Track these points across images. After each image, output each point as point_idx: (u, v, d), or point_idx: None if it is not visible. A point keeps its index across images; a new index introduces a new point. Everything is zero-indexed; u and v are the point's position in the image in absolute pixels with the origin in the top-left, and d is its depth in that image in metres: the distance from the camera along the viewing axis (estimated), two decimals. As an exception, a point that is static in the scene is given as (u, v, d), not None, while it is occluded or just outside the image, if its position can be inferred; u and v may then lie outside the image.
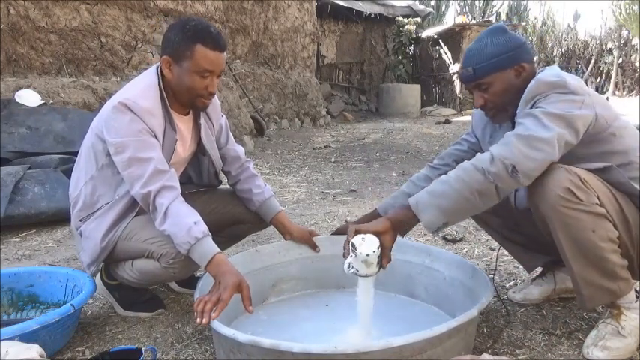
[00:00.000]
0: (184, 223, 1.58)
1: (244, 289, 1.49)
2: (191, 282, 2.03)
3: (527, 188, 1.49)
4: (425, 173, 1.91)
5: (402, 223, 1.57)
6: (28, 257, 2.66)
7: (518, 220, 1.75)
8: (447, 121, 9.79)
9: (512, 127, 1.56)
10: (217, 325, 1.37)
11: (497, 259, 1.91)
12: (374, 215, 1.95)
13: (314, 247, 1.99)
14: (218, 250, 1.57)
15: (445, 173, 1.54)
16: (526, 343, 1.62)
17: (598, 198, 1.45)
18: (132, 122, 1.64)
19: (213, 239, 1.86)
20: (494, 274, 1.93)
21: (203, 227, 1.59)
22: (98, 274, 1.94)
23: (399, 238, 2.01)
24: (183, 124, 1.83)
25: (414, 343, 1.26)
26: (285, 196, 3.95)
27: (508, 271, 2.21)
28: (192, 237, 1.56)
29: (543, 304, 1.89)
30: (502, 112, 1.67)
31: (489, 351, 1.60)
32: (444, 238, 2.69)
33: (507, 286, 2.06)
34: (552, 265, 1.91)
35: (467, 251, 2.51)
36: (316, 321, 1.80)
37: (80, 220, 1.80)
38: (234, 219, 2.03)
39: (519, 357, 1.55)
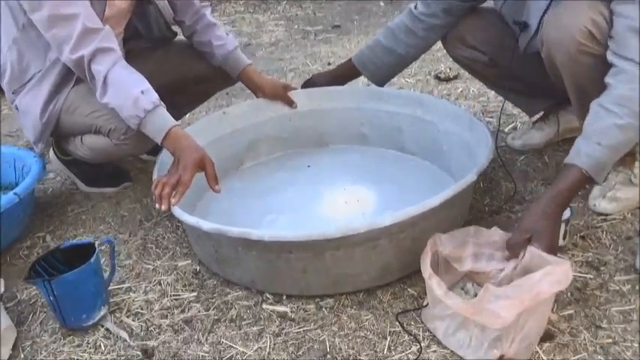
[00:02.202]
0: (129, 93, 1.33)
1: (208, 165, 1.29)
2: (160, 148, 1.81)
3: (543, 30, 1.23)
4: (407, 24, 1.59)
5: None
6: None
7: (522, 66, 1.49)
8: None
9: None
10: (179, 213, 1.20)
11: (500, 114, 1.67)
12: (348, 67, 1.73)
13: (290, 103, 1.76)
14: (173, 122, 1.34)
15: (432, 28, 1.40)
16: (527, 197, 1.48)
17: None
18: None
19: (175, 102, 1.63)
20: (497, 131, 1.71)
21: (152, 96, 1.34)
22: (51, 150, 1.73)
23: (386, 89, 1.79)
24: (115, -36, 1.47)
25: (404, 222, 1.10)
26: (262, 38, 3.59)
27: (507, 112, 2.00)
28: (141, 109, 1.32)
29: (545, 149, 1.71)
30: None
31: (486, 209, 1.46)
32: (437, 77, 2.43)
33: (506, 130, 1.87)
34: (556, 107, 1.70)
35: (461, 91, 2.27)
36: (298, 185, 1.64)
37: (13, 93, 1.54)
38: (196, 77, 1.76)
39: (520, 214, 1.42)
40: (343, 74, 1.79)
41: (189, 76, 1.75)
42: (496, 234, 1.14)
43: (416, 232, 1.16)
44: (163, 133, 1.32)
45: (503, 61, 1.50)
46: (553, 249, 1.10)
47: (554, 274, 0.98)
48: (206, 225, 1.14)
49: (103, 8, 1.43)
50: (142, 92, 1.33)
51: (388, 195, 1.53)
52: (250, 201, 1.58)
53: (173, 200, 1.21)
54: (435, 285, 1.01)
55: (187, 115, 2.16)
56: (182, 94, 1.79)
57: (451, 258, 1.11)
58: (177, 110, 1.88)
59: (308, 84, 1.82)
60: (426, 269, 1.04)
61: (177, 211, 1.20)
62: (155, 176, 1.33)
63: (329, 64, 2.78)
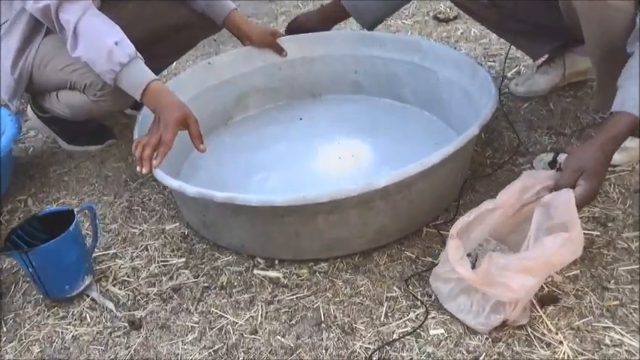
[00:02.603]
0: (102, 44, 1.22)
1: (191, 123, 1.21)
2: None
3: None
4: None
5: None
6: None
7: (525, 6, 1.37)
8: None
9: None
10: (161, 176, 1.12)
11: (505, 60, 1.55)
12: (335, 6, 1.59)
13: (280, 51, 1.65)
14: (152, 76, 1.24)
15: None
16: (530, 149, 1.40)
17: None
18: None
19: (156, 52, 1.53)
20: (502, 78, 1.61)
21: (128, 48, 1.23)
22: (29, 107, 1.64)
23: (382, 33, 1.67)
24: None
25: (400, 182, 1.03)
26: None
27: (509, 56, 1.89)
28: (116, 63, 1.21)
29: (551, 95, 1.62)
30: None
31: (488, 162, 1.38)
32: (436, 17, 2.29)
33: (509, 75, 1.77)
34: (561, 49, 1.59)
35: (462, 33, 2.14)
36: (289, 139, 1.55)
37: (-19, 47, 1.43)
38: (177, 24, 1.63)
39: (523, 167, 1.34)
40: (331, 15, 1.66)
41: (170, 23, 1.62)
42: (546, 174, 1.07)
43: (413, 193, 1.10)
44: (141, 89, 1.22)
45: (504, 1, 1.39)
46: (595, 194, 1.03)
47: (567, 245, 0.91)
48: (190, 189, 1.07)
49: None
50: (116, 43, 1.23)
51: (384, 148, 1.45)
52: (240, 157, 1.50)
53: (155, 162, 1.13)
54: (452, 248, 0.95)
55: (174, 65, 2.06)
56: (163, 43, 1.67)
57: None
58: (160, 61, 1.77)
59: (293, 25, 1.69)
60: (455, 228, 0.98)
61: (159, 174, 1.13)
62: (136, 135, 1.25)
63: (322, 5, 2.63)
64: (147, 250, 1.24)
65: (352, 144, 1.48)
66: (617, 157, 1.31)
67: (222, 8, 1.58)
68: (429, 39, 2.01)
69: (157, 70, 1.81)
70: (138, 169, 1.15)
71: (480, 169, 1.36)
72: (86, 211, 1.22)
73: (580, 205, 0.98)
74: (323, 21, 1.67)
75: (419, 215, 1.17)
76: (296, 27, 1.69)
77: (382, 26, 2.27)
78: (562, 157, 1.20)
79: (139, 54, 1.25)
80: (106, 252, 1.25)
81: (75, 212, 1.10)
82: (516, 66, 1.81)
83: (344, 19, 1.69)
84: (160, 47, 1.66)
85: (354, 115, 1.63)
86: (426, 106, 1.59)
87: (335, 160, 1.43)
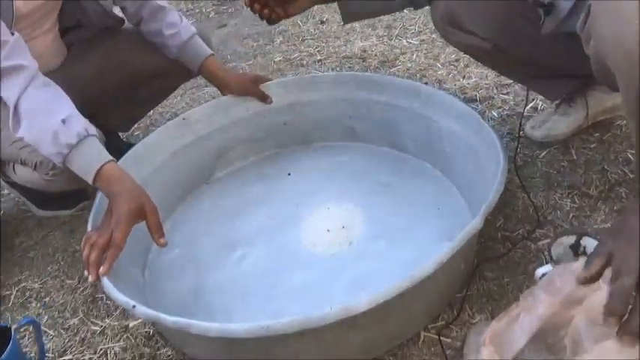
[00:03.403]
0: (46, 124, 1.07)
1: (149, 214, 1.04)
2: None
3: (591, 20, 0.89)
4: None
5: None
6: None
7: (542, 51, 1.16)
8: None
9: None
10: (109, 288, 0.96)
11: (525, 106, 1.31)
12: None
13: (263, 98, 1.47)
14: (106, 157, 1.08)
15: None
16: (549, 217, 1.20)
17: None
18: None
19: (133, 98, 1.39)
20: (519, 137, 1.36)
21: (77, 125, 1.08)
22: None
23: (378, 75, 1.44)
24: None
25: (387, 301, 0.85)
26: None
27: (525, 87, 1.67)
28: (63, 145, 1.06)
29: (573, 139, 1.41)
30: None
31: (499, 235, 1.19)
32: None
33: (525, 112, 1.56)
34: (582, 87, 1.38)
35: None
36: (274, 202, 1.38)
37: None
38: (152, 70, 1.48)
39: (541, 242, 1.15)
40: None
41: (143, 69, 1.48)
42: None
43: (405, 300, 0.92)
44: (93, 173, 1.06)
45: (515, 48, 1.18)
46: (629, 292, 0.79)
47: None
48: (138, 311, 0.91)
49: (9, 8, 1.15)
50: (64, 121, 1.07)
51: (380, 216, 1.27)
52: (218, 228, 1.34)
53: (102, 270, 0.97)
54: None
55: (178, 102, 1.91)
56: (139, 89, 1.53)
57: None
58: (139, 107, 1.63)
59: None
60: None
61: (106, 285, 0.97)
62: (89, 226, 1.10)
63: (322, 22, 2.44)
64: (106, 355, 1.09)
65: (343, 211, 1.31)
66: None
67: (196, 54, 1.42)
68: (430, 85, 1.70)
69: (138, 115, 1.69)
70: (85, 274, 1.00)
71: (489, 246, 1.16)
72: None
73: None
74: None
75: (413, 321, 0.99)
76: None
77: (385, 46, 2.09)
78: (586, 241, 1.01)
79: (91, 130, 1.09)
80: (61, 358, 1.10)
81: (13, 331, 0.95)
82: (533, 100, 1.60)
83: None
84: (137, 94, 1.53)
85: (348, 167, 1.45)
86: (427, 157, 1.40)
87: (323, 233, 1.25)
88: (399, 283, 0.84)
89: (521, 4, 1.13)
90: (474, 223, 0.92)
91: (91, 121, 1.53)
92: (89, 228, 1.08)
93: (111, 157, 1.08)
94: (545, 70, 1.28)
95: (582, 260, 0.84)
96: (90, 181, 1.07)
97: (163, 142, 1.39)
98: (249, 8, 1.21)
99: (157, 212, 1.05)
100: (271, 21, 1.23)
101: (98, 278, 0.97)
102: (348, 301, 0.83)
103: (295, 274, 1.18)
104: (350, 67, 1.98)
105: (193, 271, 1.24)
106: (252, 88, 1.45)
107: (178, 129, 1.41)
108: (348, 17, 1.28)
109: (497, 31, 1.17)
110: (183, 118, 1.42)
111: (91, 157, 1.08)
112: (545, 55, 1.19)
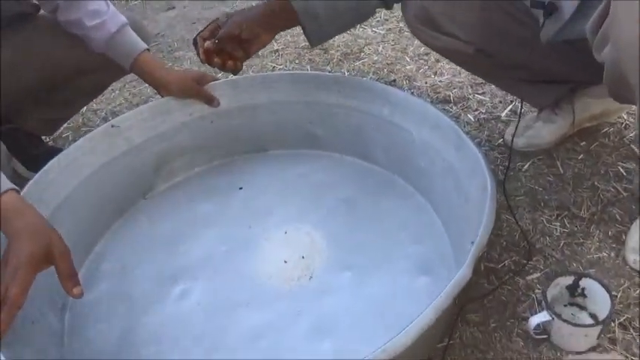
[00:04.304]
0: None
1: (59, 259, 0.83)
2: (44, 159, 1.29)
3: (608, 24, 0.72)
4: None
5: None
6: None
7: (535, 56, 1.00)
8: None
9: None
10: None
11: (519, 118, 1.14)
12: (281, 7, 1.00)
13: (210, 100, 1.27)
14: (6, 185, 0.86)
15: None
16: (537, 245, 1.06)
17: None
18: None
19: (57, 99, 1.19)
20: (510, 158, 1.19)
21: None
22: None
23: (340, 75, 1.25)
24: None
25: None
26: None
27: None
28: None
29: (557, 149, 1.27)
30: None
31: (482, 267, 1.03)
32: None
33: (502, 116, 1.41)
34: (570, 93, 1.23)
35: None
36: (222, 224, 1.18)
37: None
38: (73, 68, 1.25)
39: (530, 276, 1.00)
40: (275, 19, 1.04)
41: (65, 65, 1.25)
42: None
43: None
44: (-13, 205, 0.84)
45: (502, 53, 1.01)
46: None
47: None
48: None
49: None
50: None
51: (345, 242, 1.10)
52: (156, 253, 1.14)
53: (-6, 337, 0.76)
54: None
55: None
56: (65, 89, 1.31)
57: None
58: (63, 108, 1.40)
59: (225, 30, 1.05)
60: None
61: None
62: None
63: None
64: None
65: (302, 235, 1.13)
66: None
67: (127, 50, 1.20)
68: (400, 89, 1.39)
69: (61, 119, 1.45)
70: (-24, 337, 0.78)
71: (472, 281, 1.01)
72: None
73: None
74: (263, 25, 1.04)
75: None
76: (226, 34, 1.04)
77: (349, 36, 1.90)
78: (586, 282, 0.87)
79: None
80: None
81: None
82: (511, 102, 1.45)
83: (288, 28, 1.12)
84: (62, 93, 1.31)
85: (308, 180, 1.27)
86: (398, 171, 1.24)
87: (279, 264, 1.07)
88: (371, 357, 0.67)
89: (512, 4, 0.96)
90: (461, 276, 0.76)
91: (4, 123, 1.34)
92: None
93: (11, 185, 0.86)
94: (532, 76, 1.12)
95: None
96: (-15, 214, 0.85)
97: (89, 153, 1.16)
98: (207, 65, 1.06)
99: (68, 255, 0.84)
100: (236, 69, 1.08)
101: (-8, 345, 0.76)
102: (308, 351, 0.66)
103: (247, 314, 1.00)
104: (310, 60, 1.79)
105: (123, 312, 1.04)
106: (196, 89, 1.24)
107: (107, 137, 1.19)
108: (316, 40, 1.06)
109: (483, 35, 1.00)
110: (112, 126, 1.20)
111: (-14, 185, 0.85)
112: (536, 60, 1.03)
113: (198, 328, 0.99)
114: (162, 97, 1.25)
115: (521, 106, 1.11)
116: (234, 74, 1.11)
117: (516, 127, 1.16)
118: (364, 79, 1.48)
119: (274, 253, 1.09)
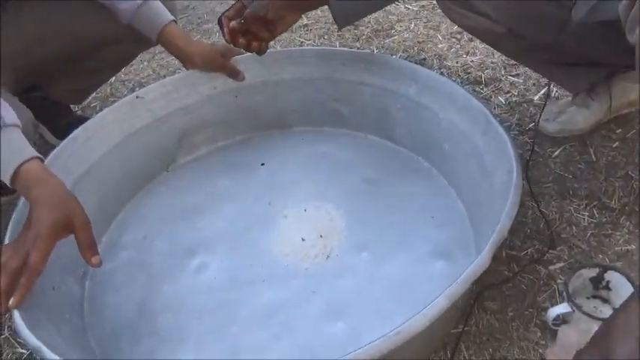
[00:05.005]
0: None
1: (79, 228, 0.83)
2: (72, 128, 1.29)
3: None
4: None
5: None
6: None
7: (568, 38, 0.95)
8: None
9: None
10: (20, 329, 0.76)
11: (545, 102, 1.09)
12: None
13: (234, 73, 1.25)
14: (29, 153, 0.86)
15: None
16: (562, 235, 1.02)
17: None
18: None
19: (83, 70, 1.20)
20: (532, 148, 1.17)
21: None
22: None
23: (367, 52, 1.22)
24: None
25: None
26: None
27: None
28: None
29: (591, 137, 1.22)
30: None
31: (504, 254, 1.01)
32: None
33: (535, 100, 1.36)
34: (607, 77, 1.18)
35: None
36: (243, 199, 1.17)
37: None
38: (99, 40, 1.25)
39: (553, 265, 0.97)
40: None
41: (93, 36, 1.25)
42: None
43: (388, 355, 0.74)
44: (10, 172, 0.85)
45: (534, 34, 0.97)
46: None
47: None
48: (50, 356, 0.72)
49: None
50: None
51: (364, 221, 1.08)
52: (176, 226, 1.15)
53: (11, 302, 0.77)
54: None
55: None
56: (91, 59, 1.31)
57: None
58: (89, 78, 1.41)
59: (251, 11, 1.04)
60: None
61: (16, 320, 0.77)
62: (7, 237, 0.89)
63: None
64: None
65: (322, 214, 1.11)
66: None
67: (153, 21, 1.19)
68: (429, 68, 1.36)
69: (88, 89, 1.47)
70: (-5, 302, 0.80)
71: (491, 267, 0.97)
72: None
73: None
74: (292, 7, 1.04)
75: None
76: (253, 14, 1.02)
77: (381, 12, 1.86)
78: (611, 275, 0.84)
79: (9, 118, 0.87)
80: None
81: None
82: (546, 84, 1.39)
83: (317, 7, 1.13)
84: (87, 65, 1.31)
85: (331, 159, 1.25)
86: (423, 153, 1.21)
87: (297, 241, 1.06)
88: (381, 342, 0.66)
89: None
90: (479, 263, 0.73)
91: (32, 93, 1.36)
92: (6, 240, 0.88)
93: (35, 154, 0.87)
94: (567, 58, 1.07)
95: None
96: (7, 182, 0.87)
97: (114, 123, 1.17)
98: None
99: (88, 225, 0.85)
100: (261, 50, 1.08)
101: (8, 310, 0.78)
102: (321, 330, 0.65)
103: (262, 291, 1.00)
104: (340, 36, 1.75)
105: (143, 281, 1.05)
106: (220, 62, 1.23)
107: (132, 109, 1.19)
108: (342, 21, 1.04)
109: (515, 14, 0.95)
110: (137, 97, 1.20)
111: (13, 152, 0.86)
112: (570, 41, 0.98)
113: (213, 301, 0.99)
114: (188, 69, 1.25)
115: (549, 89, 1.07)
116: (259, 55, 1.10)
117: (541, 111, 1.11)
118: (392, 56, 1.45)
119: (293, 230, 1.09)
